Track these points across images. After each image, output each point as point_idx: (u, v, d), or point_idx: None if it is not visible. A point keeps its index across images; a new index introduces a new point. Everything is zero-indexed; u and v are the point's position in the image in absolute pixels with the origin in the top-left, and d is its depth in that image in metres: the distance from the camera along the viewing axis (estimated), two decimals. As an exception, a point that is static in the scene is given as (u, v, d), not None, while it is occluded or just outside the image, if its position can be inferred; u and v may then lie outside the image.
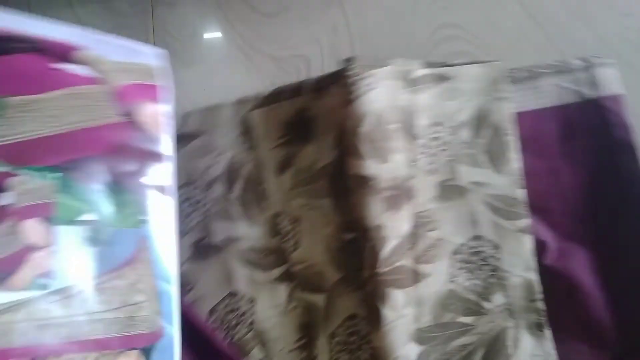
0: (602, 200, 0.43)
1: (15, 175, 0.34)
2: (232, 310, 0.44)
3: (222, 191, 0.47)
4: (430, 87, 0.43)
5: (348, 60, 0.42)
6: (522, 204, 0.41)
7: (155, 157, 0.40)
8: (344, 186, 0.43)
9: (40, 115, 0.35)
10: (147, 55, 0.41)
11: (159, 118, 0.40)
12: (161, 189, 0.40)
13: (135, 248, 0.37)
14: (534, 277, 0.41)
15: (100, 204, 0.37)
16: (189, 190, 0.47)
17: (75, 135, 0.36)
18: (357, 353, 0.42)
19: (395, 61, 0.43)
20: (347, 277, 0.43)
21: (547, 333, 0.40)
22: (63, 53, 0.37)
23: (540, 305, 0.41)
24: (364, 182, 0.41)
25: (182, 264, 0.45)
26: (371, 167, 0.41)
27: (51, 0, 0.53)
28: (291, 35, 0.51)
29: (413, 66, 0.43)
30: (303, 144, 0.46)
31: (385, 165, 0.41)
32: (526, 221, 0.41)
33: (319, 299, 0.44)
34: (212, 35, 0.53)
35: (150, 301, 0.37)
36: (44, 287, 0.33)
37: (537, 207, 0.43)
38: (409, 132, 0.42)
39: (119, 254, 0.37)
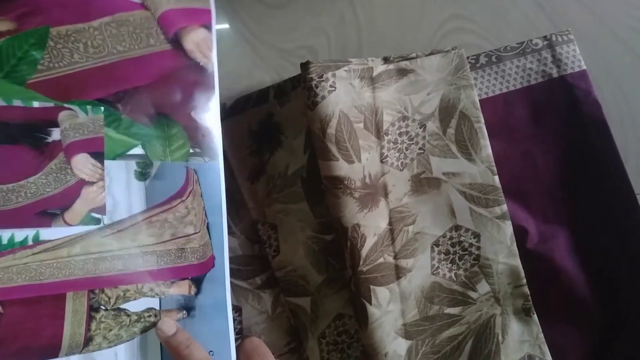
0: (578, 179, 0.41)
1: (63, 109, 0.32)
2: None
3: None
4: (392, 83, 0.41)
5: (306, 64, 0.40)
6: (498, 191, 0.39)
7: (202, 86, 0.37)
8: (318, 188, 0.41)
9: (85, 46, 0.32)
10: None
11: (207, 44, 0.37)
12: (208, 120, 0.37)
13: (185, 181, 0.36)
14: (517, 262, 0.39)
15: (149, 138, 0.35)
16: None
17: (120, 66, 0.34)
18: (348, 352, 0.41)
19: (353, 60, 0.41)
20: (331, 278, 0.41)
21: (535, 317, 0.39)
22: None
23: (526, 290, 0.39)
24: (337, 183, 0.38)
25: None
26: (343, 167, 0.39)
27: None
28: (298, 27, 0.47)
29: (372, 63, 0.41)
30: (273, 150, 0.44)
31: (357, 164, 0.39)
32: (503, 207, 0.39)
33: (304, 302, 0.42)
34: (218, 26, 0.48)
35: (201, 233, 0.36)
36: (97, 221, 0.33)
37: (514, 191, 0.41)
38: (376, 129, 0.40)
39: (169, 187, 0.36)
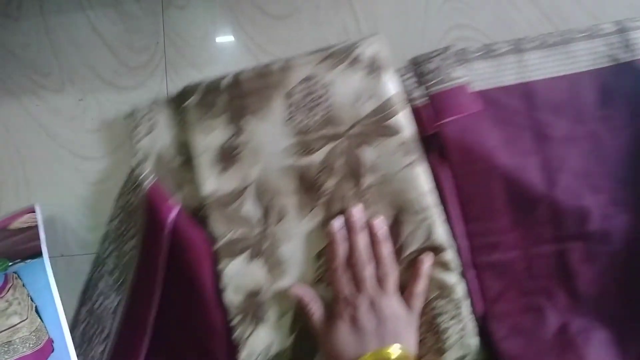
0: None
1: None
2: None
3: None
4: None
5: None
6: None
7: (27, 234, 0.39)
8: None
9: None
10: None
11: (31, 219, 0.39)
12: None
13: (3, 282, 0.35)
14: None
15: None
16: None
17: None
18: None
19: None
20: None
21: None
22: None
23: None
24: None
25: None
26: None
27: (63, 4, 0.48)
28: (302, 38, 0.45)
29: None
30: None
31: None
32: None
33: None
34: (223, 37, 0.47)
35: (29, 319, 0.34)
36: None
37: (579, 171, 0.38)
38: None
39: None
